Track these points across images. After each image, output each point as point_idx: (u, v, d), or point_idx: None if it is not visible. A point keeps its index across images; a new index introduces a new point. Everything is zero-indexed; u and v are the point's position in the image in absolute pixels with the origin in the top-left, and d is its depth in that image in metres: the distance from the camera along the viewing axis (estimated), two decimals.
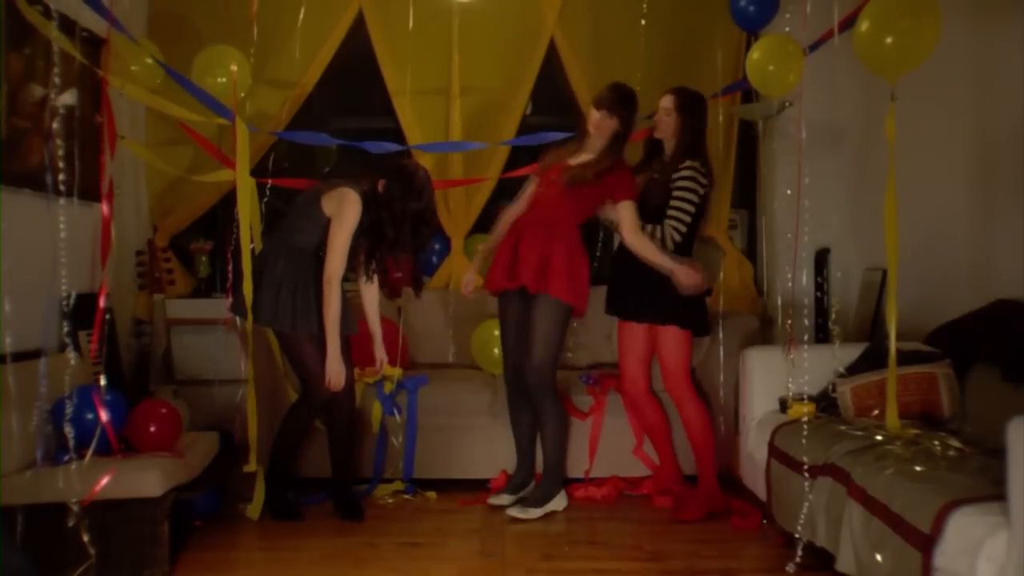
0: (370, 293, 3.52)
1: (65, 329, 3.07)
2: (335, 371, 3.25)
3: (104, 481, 2.61)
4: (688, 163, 3.39)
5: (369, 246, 3.37)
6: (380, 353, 3.55)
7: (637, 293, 3.47)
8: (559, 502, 3.48)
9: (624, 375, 3.60)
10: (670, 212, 3.39)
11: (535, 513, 3.38)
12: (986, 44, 3.22)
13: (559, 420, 3.47)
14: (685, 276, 3.30)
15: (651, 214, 3.42)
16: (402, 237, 3.33)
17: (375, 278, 3.48)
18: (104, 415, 2.76)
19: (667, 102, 3.46)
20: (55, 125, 2.80)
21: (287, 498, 3.45)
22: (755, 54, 3.54)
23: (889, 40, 2.70)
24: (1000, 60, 3.13)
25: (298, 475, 3.64)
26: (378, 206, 3.30)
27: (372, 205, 3.30)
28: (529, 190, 3.58)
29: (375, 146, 3.87)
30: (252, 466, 3.36)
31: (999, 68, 3.15)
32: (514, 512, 3.39)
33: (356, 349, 3.49)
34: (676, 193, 3.38)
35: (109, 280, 2.83)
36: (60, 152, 2.75)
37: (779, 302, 4.02)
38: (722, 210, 4.51)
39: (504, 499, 3.51)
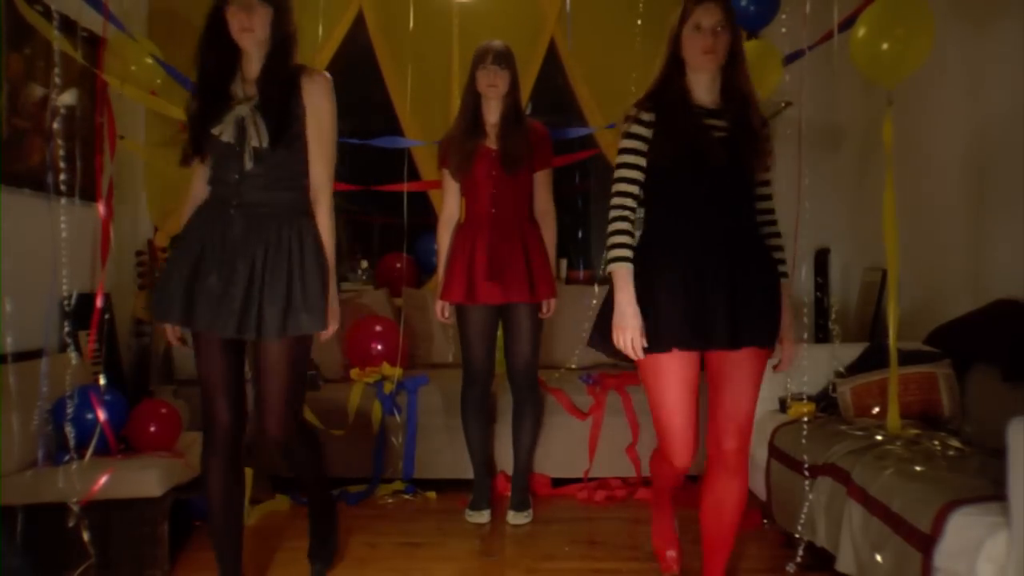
0: None
1: (66, 329, 3.06)
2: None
3: (102, 481, 2.61)
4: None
5: None
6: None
7: (754, 305, 2.28)
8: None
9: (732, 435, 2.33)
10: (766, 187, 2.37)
11: (530, 514, 3.38)
12: (982, 47, 3.22)
13: (541, 414, 3.49)
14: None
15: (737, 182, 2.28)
16: None
17: None
18: (102, 415, 2.76)
19: (716, 13, 2.25)
20: (55, 125, 2.80)
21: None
22: None
23: (885, 47, 2.70)
24: (996, 62, 3.13)
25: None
26: None
27: None
28: (453, 192, 3.30)
29: (387, 141, 3.87)
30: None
31: (995, 69, 3.15)
32: (522, 519, 3.34)
33: (356, 350, 3.46)
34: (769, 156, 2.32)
35: (110, 280, 2.83)
36: (60, 152, 2.75)
37: None
38: None
39: (486, 516, 3.37)
